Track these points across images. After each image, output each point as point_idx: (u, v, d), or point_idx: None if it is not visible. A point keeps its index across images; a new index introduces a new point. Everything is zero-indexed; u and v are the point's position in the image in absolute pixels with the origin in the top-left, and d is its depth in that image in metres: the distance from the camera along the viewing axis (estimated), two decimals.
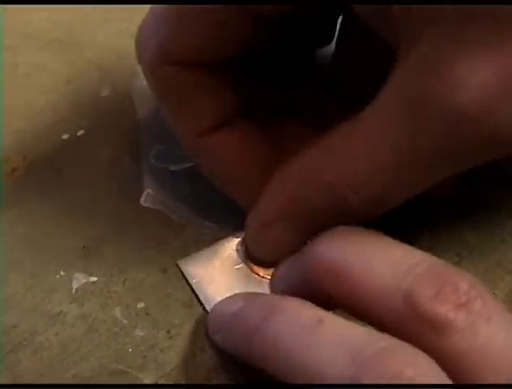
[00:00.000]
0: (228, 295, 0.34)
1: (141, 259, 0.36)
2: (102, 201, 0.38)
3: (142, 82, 0.42)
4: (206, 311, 0.34)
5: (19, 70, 0.43)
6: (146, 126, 0.40)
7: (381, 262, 0.29)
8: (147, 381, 0.32)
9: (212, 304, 0.34)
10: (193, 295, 0.35)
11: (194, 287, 0.35)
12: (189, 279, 0.35)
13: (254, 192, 0.34)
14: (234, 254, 0.36)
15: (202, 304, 0.34)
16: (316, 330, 0.27)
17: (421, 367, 0.26)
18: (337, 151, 0.31)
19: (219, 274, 0.35)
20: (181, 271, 0.35)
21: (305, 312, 0.29)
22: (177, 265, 0.36)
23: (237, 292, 0.34)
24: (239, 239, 0.36)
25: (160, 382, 0.32)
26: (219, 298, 0.34)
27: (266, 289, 0.34)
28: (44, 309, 0.34)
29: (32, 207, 0.38)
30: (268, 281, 0.35)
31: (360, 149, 0.30)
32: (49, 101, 0.42)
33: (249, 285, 0.35)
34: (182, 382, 0.32)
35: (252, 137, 0.36)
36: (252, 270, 0.35)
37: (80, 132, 0.40)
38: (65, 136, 0.40)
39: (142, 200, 0.38)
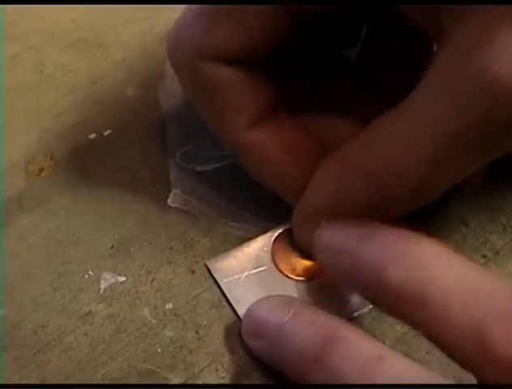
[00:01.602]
0: (256, 295, 0.34)
1: (169, 260, 0.36)
2: (130, 201, 0.38)
3: (168, 82, 0.42)
4: (235, 312, 0.34)
5: (44, 69, 0.43)
6: (172, 126, 0.40)
7: (455, 291, 0.28)
8: (176, 381, 0.32)
9: (241, 304, 0.34)
10: (221, 295, 0.35)
11: (222, 287, 0.35)
12: (217, 279, 0.35)
13: (298, 185, 0.34)
14: (262, 254, 0.36)
15: (230, 304, 0.34)
16: (377, 367, 0.28)
17: None
18: (377, 139, 0.31)
19: (248, 274, 0.35)
20: (210, 272, 0.35)
21: (365, 346, 0.29)
22: (206, 265, 0.36)
23: (266, 292, 0.34)
24: (267, 239, 0.36)
25: (189, 382, 0.32)
26: (248, 298, 0.34)
27: (294, 290, 0.35)
28: (72, 309, 0.34)
29: (59, 206, 0.38)
30: (296, 282, 0.35)
31: (403, 135, 0.29)
32: (75, 101, 0.42)
33: (277, 286, 0.35)
34: (211, 383, 0.32)
35: (291, 129, 0.35)
36: (280, 271, 0.35)
37: (107, 132, 0.41)
38: (91, 136, 0.40)
39: (169, 200, 0.38)
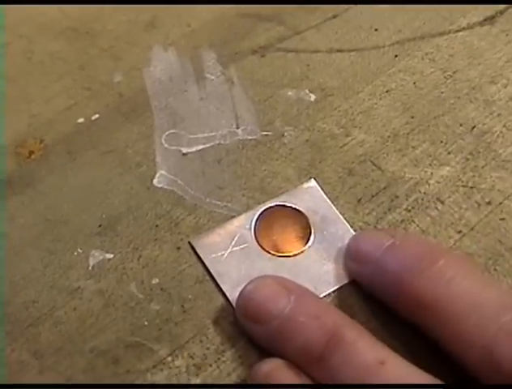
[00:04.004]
0: (239, 271, 0.36)
1: (155, 237, 0.37)
2: (117, 182, 0.39)
3: (153, 68, 0.43)
4: (219, 287, 0.35)
5: (33, 57, 0.44)
6: (158, 110, 0.42)
7: (468, 302, 0.30)
8: (163, 352, 0.33)
9: (225, 279, 0.35)
10: (205, 271, 0.36)
11: (206, 263, 0.36)
12: (201, 256, 0.36)
13: None
14: (245, 232, 0.37)
15: (214, 280, 0.36)
16: (378, 372, 0.29)
17: None
18: None
19: (231, 251, 0.36)
20: (194, 249, 0.37)
21: (368, 350, 0.30)
22: (190, 243, 0.37)
23: (248, 268, 0.36)
24: (249, 217, 0.38)
25: (175, 354, 0.33)
26: (231, 274, 0.35)
27: (275, 266, 0.36)
28: (62, 285, 0.36)
29: (49, 188, 0.39)
30: (277, 259, 0.36)
31: None
32: (63, 87, 0.43)
33: (259, 262, 0.36)
34: (196, 354, 0.33)
35: None
36: (262, 248, 0.37)
37: (95, 116, 0.42)
38: (80, 120, 0.42)
39: (155, 181, 0.39)
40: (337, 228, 0.37)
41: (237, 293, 0.34)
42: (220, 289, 0.35)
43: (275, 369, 0.31)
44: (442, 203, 0.38)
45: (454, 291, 0.31)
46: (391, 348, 0.31)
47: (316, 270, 0.36)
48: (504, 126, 0.41)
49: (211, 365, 0.33)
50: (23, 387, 0.33)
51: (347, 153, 0.40)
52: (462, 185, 0.39)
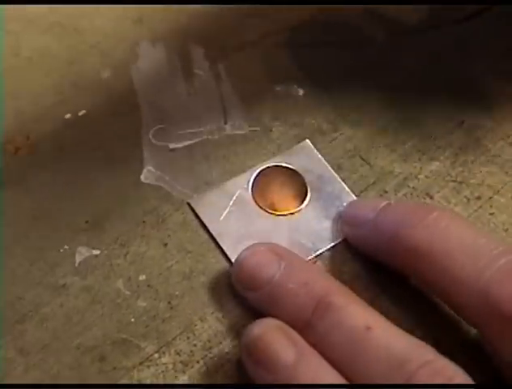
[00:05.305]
0: (238, 229, 0.36)
1: (142, 233, 0.37)
2: (104, 178, 0.39)
3: (141, 64, 0.43)
4: (221, 247, 0.36)
5: (21, 53, 0.44)
6: (145, 106, 0.41)
7: (463, 249, 0.31)
8: (149, 349, 0.33)
9: (224, 239, 0.36)
10: (193, 267, 0.36)
11: (205, 223, 0.37)
12: (200, 216, 0.37)
13: None
14: (242, 191, 0.38)
15: (215, 241, 0.36)
16: (364, 337, 0.29)
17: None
18: None
19: (230, 211, 0.37)
20: (193, 210, 0.37)
21: (355, 315, 0.30)
22: (188, 204, 0.37)
23: (246, 226, 0.37)
24: (247, 177, 0.38)
25: (162, 350, 0.33)
26: (230, 233, 0.36)
27: (274, 225, 0.37)
28: (48, 282, 0.35)
29: (35, 184, 0.38)
30: (274, 217, 0.37)
31: None
32: (50, 83, 0.43)
33: (257, 221, 0.37)
34: (183, 350, 0.33)
35: None
36: (261, 207, 0.37)
37: (82, 112, 0.41)
38: (67, 116, 0.41)
39: (142, 177, 0.39)
40: (333, 186, 0.38)
41: (237, 252, 0.34)
42: (221, 249, 0.36)
43: (266, 331, 0.31)
44: (431, 197, 0.38)
45: (450, 238, 0.31)
46: (387, 314, 0.31)
47: (314, 227, 0.37)
48: (494, 120, 0.41)
49: (198, 362, 0.33)
50: (26, 387, 0.33)
51: (335, 148, 0.40)
52: (452, 180, 0.39)
